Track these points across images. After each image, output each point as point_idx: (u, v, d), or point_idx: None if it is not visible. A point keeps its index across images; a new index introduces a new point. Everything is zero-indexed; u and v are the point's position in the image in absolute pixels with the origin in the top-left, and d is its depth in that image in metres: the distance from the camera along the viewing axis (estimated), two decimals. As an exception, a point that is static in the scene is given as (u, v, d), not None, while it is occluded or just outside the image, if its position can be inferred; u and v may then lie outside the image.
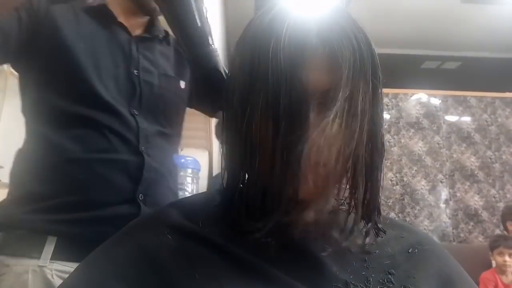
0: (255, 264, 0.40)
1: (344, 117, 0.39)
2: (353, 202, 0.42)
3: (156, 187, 0.79)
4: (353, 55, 0.39)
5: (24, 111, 0.82)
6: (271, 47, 0.39)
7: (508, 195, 3.44)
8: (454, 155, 3.49)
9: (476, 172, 3.48)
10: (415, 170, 3.43)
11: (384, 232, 0.46)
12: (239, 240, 0.42)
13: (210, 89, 0.73)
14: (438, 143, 3.50)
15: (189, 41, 0.63)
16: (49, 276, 0.70)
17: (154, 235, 0.43)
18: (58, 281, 0.70)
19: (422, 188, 3.40)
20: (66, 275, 0.69)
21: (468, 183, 3.46)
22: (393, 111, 3.55)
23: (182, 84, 0.89)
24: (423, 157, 3.46)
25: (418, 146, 3.47)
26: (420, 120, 3.54)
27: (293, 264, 0.42)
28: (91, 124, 0.75)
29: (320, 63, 0.39)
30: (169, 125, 0.86)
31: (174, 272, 0.39)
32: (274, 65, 0.38)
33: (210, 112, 1.00)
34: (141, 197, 0.76)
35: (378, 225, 0.45)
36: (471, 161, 3.49)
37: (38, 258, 0.71)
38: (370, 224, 0.44)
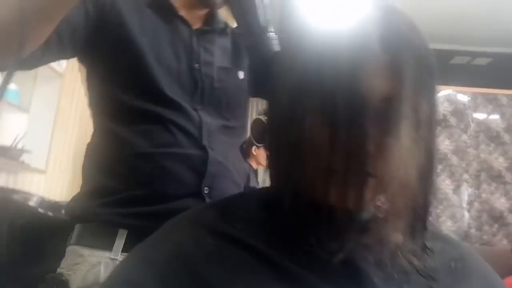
0: (300, 275, 0.39)
1: (409, 129, 0.37)
2: (409, 216, 0.40)
3: (221, 180, 0.79)
4: (417, 63, 0.38)
5: (91, 104, 0.84)
6: (332, 46, 0.37)
7: (536, 198, 3.33)
8: (482, 155, 3.39)
9: (503, 173, 3.38)
10: (440, 169, 3.35)
11: (432, 250, 0.44)
12: (284, 248, 0.40)
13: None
14: (465, 142, 3.41)
15: (250, 28, 0.63)
16: None
17: (193, 238, 0.42)
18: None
19: (446, 188, 3.33)
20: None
21: (494, 184, 3.36)
22: (419, 107, 3.44)
23: (241, 75, 0.88)
24: (449, 155, 3.38)
25: (445, 144, 3.39)
26: (448, 117, 3.45)
27: (337, 275, 0.40)
28: (156, 119, 0.75)
29: (381, 70, 0.37)
30: (232, 118, 0.86)
31: (211, 278, 0.38)
32: (332, 69, 0.36)
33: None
34: (206, 191, 0.76)
35: (427, 243, 0.43)
36: (499, 162, 3.38)
37: (110, 250, 0.73)
38: (420, 242, 0.42)
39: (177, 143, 0.75)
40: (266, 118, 0.49)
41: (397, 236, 0.40)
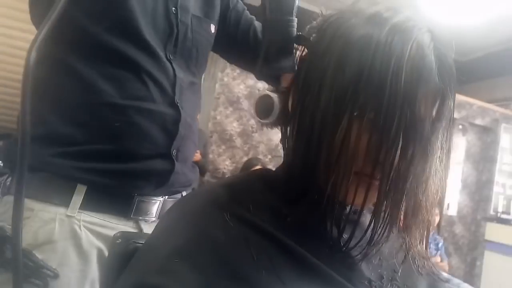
0: (315, 264, 0.40)
1: (443, 154, 0.43)
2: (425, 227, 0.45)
3: (187, 143, 0.77)
4: (453, 92, 0.42)
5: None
6: (392, 63, 0.38)
7: None
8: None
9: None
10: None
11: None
12: (300, 236, 0.41)
13: (284, 58, 0.59)
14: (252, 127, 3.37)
15: (280, 5, 0.57)
16: (76, 227, 0.65)
17: (217, 221, 0.40)
18: (85, 233, 0.66)
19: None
20: (94, 227, 0.69)
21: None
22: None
23: (212, 28, 0.83)
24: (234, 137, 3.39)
25: (233, 125, 3.34)
26: (241, 100, 3.37)
27: (337, 261, 0.43)
28: (128, 64, 0.67)
29: (433, 96, 0.41)
30: (198, 74, 0.81)
31: (240, 265, 0.37)
32: (393, 85, 0.38)
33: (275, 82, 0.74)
34: (174, 153, 0.74)
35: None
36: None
37: (66, 206, 0.65)
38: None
39: (150, 98, 0.69)
40: (277, 95, 0.50)
41: (415, 243, 0.44)
